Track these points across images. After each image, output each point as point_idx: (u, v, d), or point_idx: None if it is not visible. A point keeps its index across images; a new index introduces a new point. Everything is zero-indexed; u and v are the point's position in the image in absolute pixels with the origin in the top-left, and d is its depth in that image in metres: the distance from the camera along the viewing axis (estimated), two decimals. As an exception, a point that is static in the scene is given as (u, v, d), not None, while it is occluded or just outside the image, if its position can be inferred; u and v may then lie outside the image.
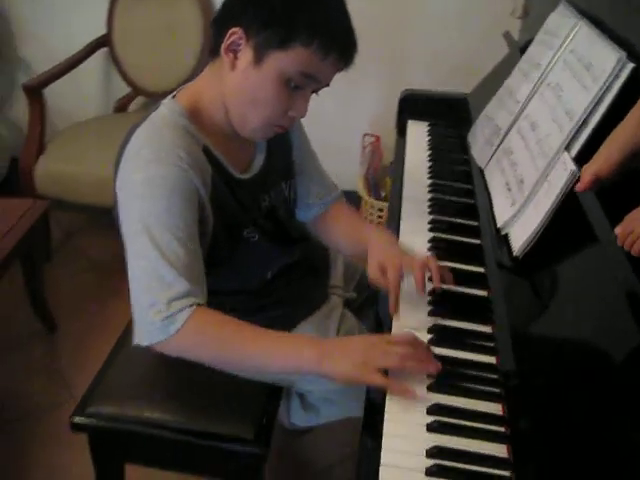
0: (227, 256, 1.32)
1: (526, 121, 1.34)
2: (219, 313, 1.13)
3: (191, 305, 1.10)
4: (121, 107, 3.04)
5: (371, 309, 1.41)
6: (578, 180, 1.07)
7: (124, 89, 3.01)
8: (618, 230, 0.92)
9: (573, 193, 1.09)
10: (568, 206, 1.10)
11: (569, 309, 1.04)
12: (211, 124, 1.24)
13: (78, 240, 3.00)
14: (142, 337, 1.11)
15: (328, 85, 1.22)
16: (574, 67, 1.24)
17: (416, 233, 1.44)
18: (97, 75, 3.10)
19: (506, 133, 1.41)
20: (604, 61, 1.12)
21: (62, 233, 3.04)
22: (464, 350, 1.12)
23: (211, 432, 1.34)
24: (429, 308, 1.22)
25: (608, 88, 1.09)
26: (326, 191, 1.54)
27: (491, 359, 1.11)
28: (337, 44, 1.14)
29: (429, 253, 1.36)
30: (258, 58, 1.13)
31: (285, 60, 1.12)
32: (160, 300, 1.09)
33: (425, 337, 1.15)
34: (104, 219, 2.92)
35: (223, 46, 1.15)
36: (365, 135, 2.94)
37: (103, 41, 2.94)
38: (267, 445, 1.37)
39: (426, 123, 2.00)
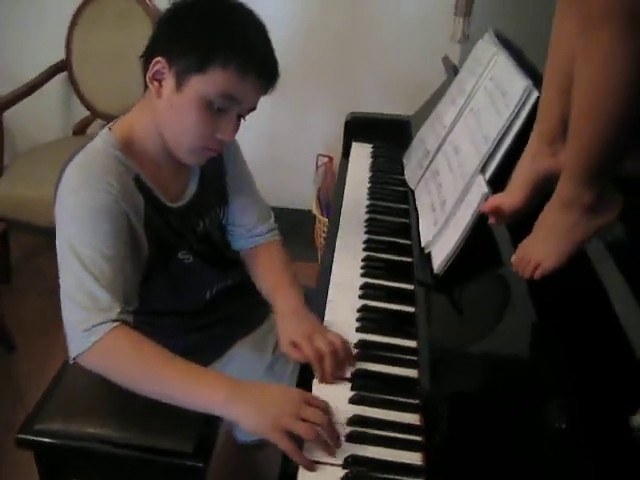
0: (163, 277, 1.37)
1: (450, 145, 1.41)
2: (139, 334, 1.13)
3: (113, 320, 1.12)
4: (80, 130, 3.07)
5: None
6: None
7: (83, 112, 3.05)
8: (513, 259, 1.00)
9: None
10: (483, 226, 1.17)
11: (481, 324, 1.10)
12: (143, 154, 1.29)
13: (38, 261, 3.02)
14: (70, 350, 1.14)
15: (254, 109, 1.27)
16: (493, 93, 1.31)
17: (351, 252, 1.49)
18: (56, 98, 3.14)
19: (434, 156, 1.48)
20: (515, 88, 1.20)
21: (23, 254, 3.06)
22: (389, 364, 1.18)
23: (151, 446, 1.38)
24: (357, 324, 1.27)
25: (517, 114, 1.17)
26: (256, 224, 1.53)
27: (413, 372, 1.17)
28: (255, 65, 1.19)
29: (361, 271, 1.42)
30: (179, 84, 1.19)
31: (204, 83, 1.17)
32: (83, 312, 1.13)
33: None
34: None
35: (148, 75, 1.21)
36: (319, 155, 3.01)
37: (62, 65, 2.98)
38: (207, 459, 1.42)
39: (370, 145, 2.06)
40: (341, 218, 1.65)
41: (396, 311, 1.31)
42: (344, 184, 1.83)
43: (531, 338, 0.99)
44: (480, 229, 1.18)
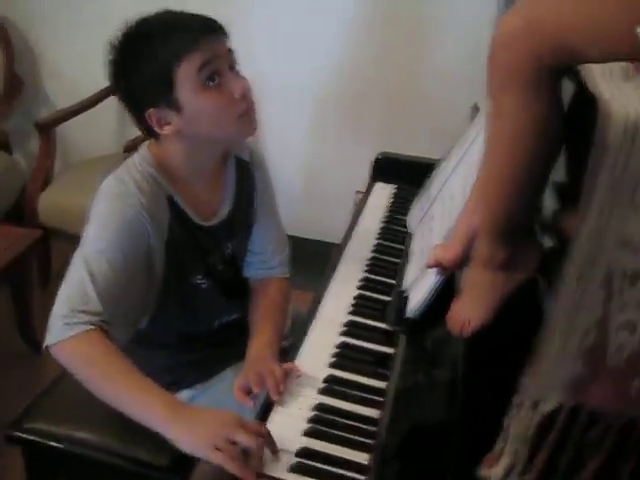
0: (174, 302, 1.42)
1: (448, 191, 1.43)
2: (111, 344, 1.17)
3: (92, 323, 1.16)
4: (131, 148, 3.17)
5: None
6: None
7: (135, 132, 3.15)
8: (448, 318, 1.04)
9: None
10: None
11: (449, 370, 1.11)
12: (176, 175, 1.35)
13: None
14: (46, 337, 1.20)
15: (231, 50, 1.29)
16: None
17: (344, 289, 1.52)
18: (112, 116, 3.26)
19: (434, 201, 1.50)
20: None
21: (63, 262, 3.16)
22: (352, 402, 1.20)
23: (131, 456, 1.43)
24: (331, 360, 1.29)
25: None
26: (272, 256, 1.57)
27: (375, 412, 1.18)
28: (190, 35, 1.22)
29: (350, 309, 1.44)
30: (176, 108, 1.24)
31: (182, 85, 1.22)
32: (71, 308, 1.18)
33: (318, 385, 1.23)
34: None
35: (157, 130, 1.28)
36: (357, 192, 3.03)
37: (118, 85, 3.10)
38: (186, 473, 1.44)
39: (394, 186, 2.08)
40: (345, 252, 1.68)
41: (374, 351, 1.33)
42: (357, 220, 1.86)
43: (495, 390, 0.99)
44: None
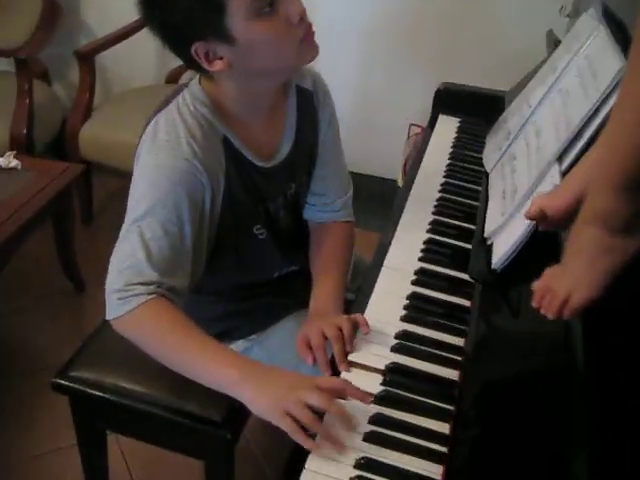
0: (232, 254, 1.31)
1: (533, 127, 1.27)
2: (172, 308, 1.10)
3: (150, 294, 1.08)
4: (173, 78, 3.05)
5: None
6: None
7: (177, 61, 3.01)
8: (535, 286, 0.84)
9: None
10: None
11: (533, 333, 0.98)
12: (233, 114, 1.22)
13: (120, 206, 3.02)
14: (106, 312, 1.13)
15: None
16: (584, 74, 1.16)
17: (413, 232, 1.39)
18: (153, 44, 3.10)
19: (514, 138, 1.34)
20: (608, 70, 1.05)
21: (106, 196, 3.09)
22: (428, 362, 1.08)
23: (182, 409, 1.34)
24: (403, 313, 1.18)
25: (606, 99, 1.02)
26: (334, 198, 1.45)
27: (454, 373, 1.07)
28: None
29: (420, 255, 1.32)
30: (228, 39, 1.09)
31: (235, 13, 1.06)
32: (125, 281, 1.09)
33: (391, 342, 1.12)
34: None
35: (206, 66, 1.13)
36: (411, 125, 2.87)
37: (160, 11, 2.94)
38: (236, 431, 1.36)
39: (457, 119, 1.93)
40: (411, 193, 1.55)
41: (448, 303, 1.21)
42: (422, 157, 1.71)
43: (586, 355, 0.85)
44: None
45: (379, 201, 2.93)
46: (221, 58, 1.12)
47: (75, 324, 2.42)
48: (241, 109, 1.23)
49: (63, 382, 1.40)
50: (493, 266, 1.10)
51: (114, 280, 1.11)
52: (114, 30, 2.83)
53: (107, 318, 1.13)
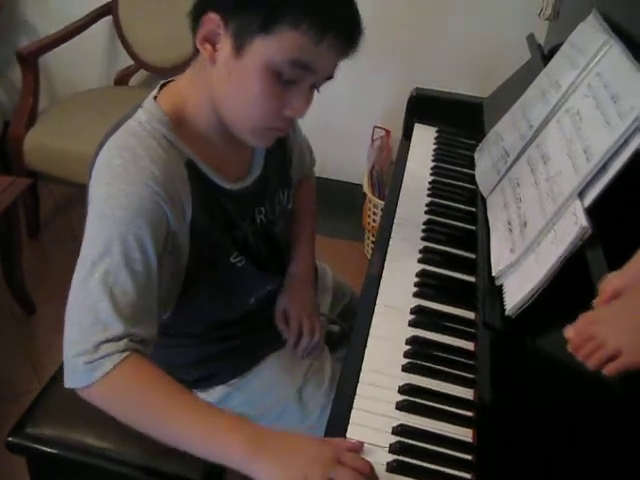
0: (204, 286, 1.15)
1: (538, 151, 1.16)
2: (149, 365, 0.95)
3: (123, 350, 0.93)
4: (122, 79, 2.88)
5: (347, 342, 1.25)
6: (591, 237, 0.91)
7: (127, 61, 2.85)
8: (570, 333, 0.75)
9: (581, 251, 0.93)
10: (574, 265, 0.94)
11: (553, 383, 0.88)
12: (197, 133, 1.07)
13: (68, 216, 2.87)
14: (66, 379, 0.96)
15: (331, 77, 1.03)
16: (599, 95, 1.06)
17: (403, 262, 1.28)
18: (100, 44, 2.94)
19: (515, 160, 1.24)
20: (635, 96, 0.94)
21: (53, 206, 2.91)
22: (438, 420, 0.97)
23: (155, 468, 1.22)
24: (404, 362, 1.06)
25: (636, 130, 0.91)
26: (305, 166, 1.44)
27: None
28: (334, 24, 0.94)
29: (414, 290, 1.21)
30: (238, 47, 0.95)
31: (270, 47, 0.94)
32: (91, 341, 0.93)
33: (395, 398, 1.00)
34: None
35: (198, 37, 0.98)
36: (375, 127, 2.77)
37: (107, 10, 2.77)
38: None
39: (435, 128, 1.82)
40: (396, 216, 1.43)
41: (452, 347, 1.10)
42: (402, 176, 1.60)
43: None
44: (570, 267, 0.95)
45: (345, 206, 2.83)
46: (215, 48, 0.98)
47: (28, 351, 2.24)
48: (206, 125, 1.07)
49: (19, 441, 1.25)
50: (508, 312, 0.99)
51: (76, 341, 0.94)
52: (58, 29, 2.64)
53: (71, 386, 0.95)
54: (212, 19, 0.95)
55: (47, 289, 2.44)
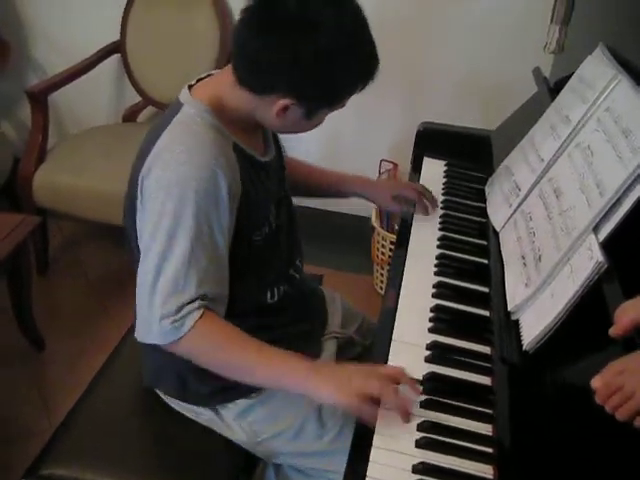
0: (239, 265, 1.23)
1: (550, 185, 1.17)
2: (222, 323, 1.14)
3: (199, 308, 1.10)
4: (130, 116, 2.90)
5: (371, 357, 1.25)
6: (607, 271, 0.91)
7: (134, 97, 2.88)
8: (597, 383, 0.75)
9: (598, 285, 0.93)
10: (590, 299, 0.94)
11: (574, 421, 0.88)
12: (233, 119, 1.20)
13: (77, 252, 2.87)
14: (148, 336, 1.12)
15: None
16: (609, 130, 1.07)
17: (417, 297, 1.28)
18: (108, 81, 2.97)
19: (527, 195, 1.24)
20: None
21: (62, 242, 2.92)
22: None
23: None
24: (422, 398, 1.06)
25: (649, 165, 0.92)
26: None
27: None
28: (371, 75, 1.16)
29: (429, 325, 1.21)
30: (309, 115, 1.16)
31: (333, 108, 1.19)
32: (174, 303, 1.09)
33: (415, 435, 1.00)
34: (105, 232, 2.82)
35: (274, 110, 1.13)
36: (382, 161, 2.78)
37: (115, 47, 2.81)
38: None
39: (443, 162, 1.83)
40: (409, 250, 1.44)
41: (469, 382, 1.09)
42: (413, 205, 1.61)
43: None
44: (587, 301, 0.95)
45: (353, 240, 2.84)
46: (285, 112, 1.14)
47: (37, 388, 2.23)
48: (242, 117, 1.20)
49: (33, 482, 1.24)
50: (525, 347, 1.00)
51: (162, 305, 1.09)
52: (67, 67, 2.68)
53: (161, 343, 1.12)
54: (288, 104, 1.12)
55: (56, 325, 2.44)
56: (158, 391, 1.35)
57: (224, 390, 1.27)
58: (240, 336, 1.13)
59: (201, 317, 1.10)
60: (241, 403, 1.30)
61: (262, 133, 1.32)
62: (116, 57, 2.83)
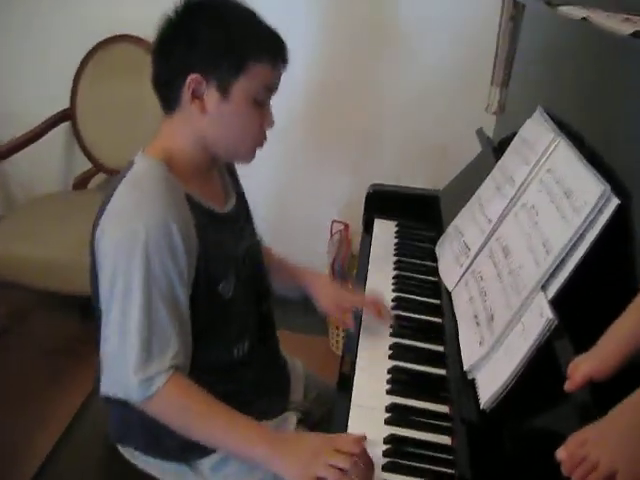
0: (206, 320, 1.23)
1: (498, 244, 1.21)
2: (193, 387, 1.14)
3: (167, 370, 1.10)
4: (81, 183, 2.89)
5: (328, 425, 1.24)
6: (557, 327, 0.94)
7: (85, 164, 2.88)
8: (562, 455, 0.76)
9: (549, 342, 0.96)
10: (544, 355, 0.96)
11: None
12: (188, 171, 1.22)
13: (29, 323, 2.82)
14: (112, 389, 1.13)
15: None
16: (552, 190, 1.11)
17: (375, 360, 1.29)
18: (58, 149, 2.97)
19: (476, 254, 1.28)
20: (586, 192, 1.00)
21: (12, 312, 2.86)
22: None
23: None
24: (384, 461, 1.06)
25: (591, 224, 0.97)
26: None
27: None
28: (278, 48, 1.20)
29: (387, 387, 1.22)
30: (224, 93, 1.17)
31: (247, 82, 1.17)
32: (138, 361, 1.09)
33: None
34: (56, 301, 2.77)
35: (186, 97, 1.17)
36: (334, 222, 2.82)
37: (65, 115, 2.82)
38: None
39: (394, 222, 1.87)
40: (363, 313, 1.45)
41: (427, 442, 1.10)
42: (367, 266, 1.63)
43: None
44: (540, 358, 0.97)
45: (308, 301, 2.83)
46: (202, 100, 1.17)
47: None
48: (196, 163, 1.23)
49: None
50: (483, 406, 1.01)
51: (130, 364, 1.09)
52: (17, 135, 2.67)
53: (129, 400, 1.12)
54: (195, 79, 1.15)
55: (8, 398, 2.37)
56: (122, 450, 1.32)
57: (198, 444, 1.23)
58: (209, 404, 1.14)
59: (169, 379, 1.10)
60: (214, 457, 1.27)
61: (221, 182, 1.34)
62: (66, 125, 2.84)
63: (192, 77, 1.15)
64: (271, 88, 1.22)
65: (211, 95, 1.17)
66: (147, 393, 1.10)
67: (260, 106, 1.21)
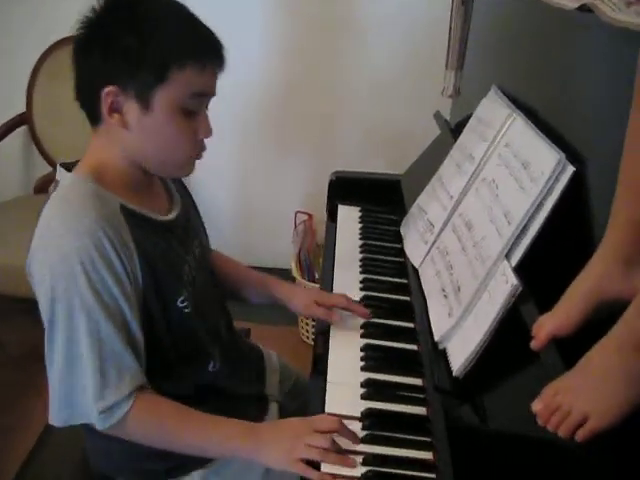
0: (165, 335, 1.18)
1: (461, 219, 1.25)
2: (154, 396, 1.11)
3: (129, 396, 1.06)
4: (42, 187, 2.86)
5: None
6: (522, 293, 0.98)
7: (45, 168, 2.86)
8: (537, 407, 0.80)
9: (515, 307, 1.00)
10: (510, 320, 1.00)
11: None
12: (119, 182, 1.14)
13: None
14: (77, 419, 1.09)
15: (215, 94, 1.16)
16: (510, 163, 1.15)
17: (346, 339, 1.32)
18: (16, 154, 2.95)
19: (441, 230, 1.31)
20: (542, 162, 1.04)
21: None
22: None
23: None
24: (363, 434, 1.09)
25: (548, 192, 1.01)
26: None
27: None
28: (206, 50, 1.11)
29: (361, 364, 1.25)
30: (144, 104, 1.08)
31: (170, 91, 1.08)
32: (96, 389, 1.05)
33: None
34: (23, 307, 2.74)
35: (104, 110, 1.08)
36: (297, 212, 2.84)
37: (22, 119, 2.79)
38: None
39: (358, 208, 1.90)
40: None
41: (407, 415, 1.13)
42: (333, 252, 1.66)
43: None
44: (507, 322, 1.01)
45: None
46: (121, 113, 1.08)
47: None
48: (127, 174, 1.16)
49: None
50: (455, 373, 1.05)
51: (89, 393, 1.05)
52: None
53: (100, 429, 1.08)
54: (111, 91, 1.07)
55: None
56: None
57: (180, 465, 1.25)
58: (179, 413, 1.12)
59: (133, 405, 1.07)
60: (196, 475, 1.27)
61: (163, 188, 1.28)
62: (22, 129, 2.81)
63: (107, 89, 1.06)
64: (203, 94, 1.12)
65: (131, 108, 1.08)
66: (110, 421, 1.06)
67: (190, 115, 1.11)
